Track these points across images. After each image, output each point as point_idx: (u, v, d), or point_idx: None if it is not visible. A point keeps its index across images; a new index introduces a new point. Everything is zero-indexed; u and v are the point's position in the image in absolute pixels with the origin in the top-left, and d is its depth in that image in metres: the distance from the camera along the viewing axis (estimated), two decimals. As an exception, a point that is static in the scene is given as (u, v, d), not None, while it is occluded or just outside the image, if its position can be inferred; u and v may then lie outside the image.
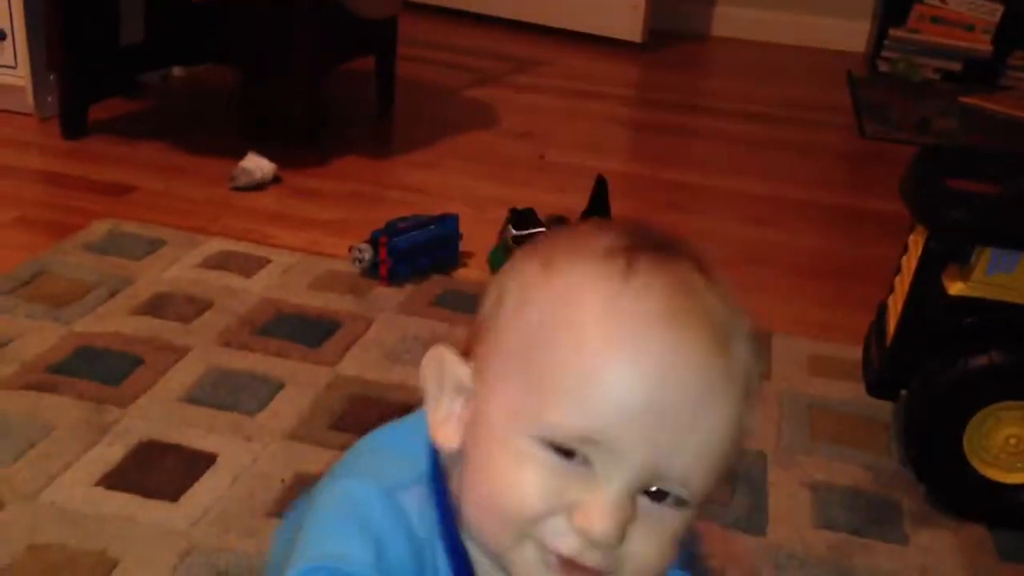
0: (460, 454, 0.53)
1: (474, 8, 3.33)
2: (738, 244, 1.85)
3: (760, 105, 2.75)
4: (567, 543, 0.49)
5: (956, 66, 3.06)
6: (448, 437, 0.54)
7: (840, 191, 2.21)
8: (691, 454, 0.49)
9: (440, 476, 0.55)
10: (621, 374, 0.48)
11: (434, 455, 0.55)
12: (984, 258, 1.07)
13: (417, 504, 0.54)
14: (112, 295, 1.44)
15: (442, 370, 0.55)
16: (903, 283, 1.19)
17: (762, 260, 1.79)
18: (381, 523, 0.52)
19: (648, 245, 0.52)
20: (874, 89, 2.94)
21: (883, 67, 3.11)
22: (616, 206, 1.74)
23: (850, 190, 2.24)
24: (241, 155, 1.92)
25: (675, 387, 0.49)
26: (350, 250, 1.59)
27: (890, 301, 1.25)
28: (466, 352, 0.55)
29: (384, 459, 0.56)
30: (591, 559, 0.49)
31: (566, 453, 0.49)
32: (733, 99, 2.83)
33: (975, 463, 1.11)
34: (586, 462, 0.49)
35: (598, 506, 0.48)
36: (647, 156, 2.41)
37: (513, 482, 0.50)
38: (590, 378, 0.48)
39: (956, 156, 1.24)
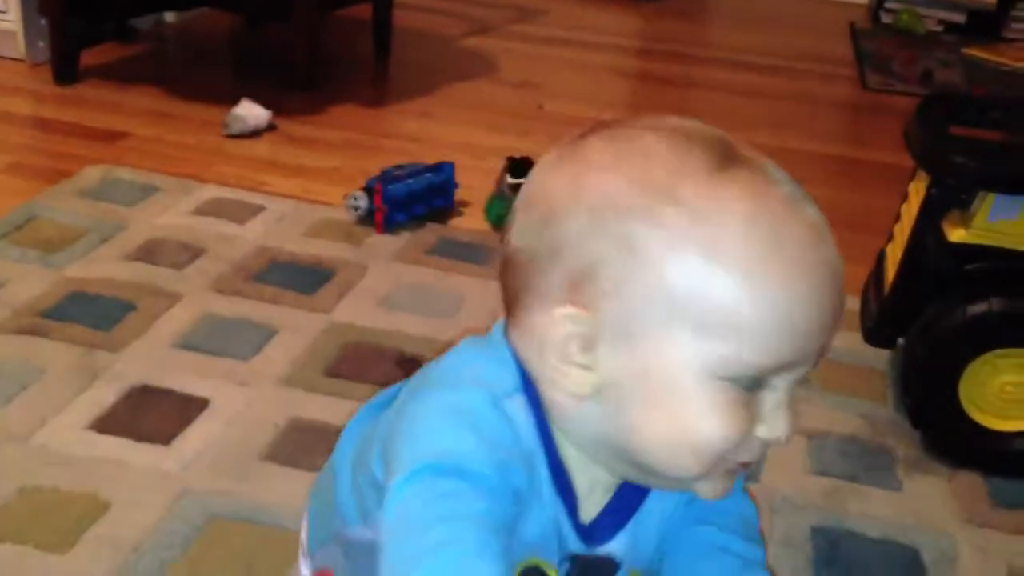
0: (594, 397, 0.53)
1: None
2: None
3: (762, 56, 2.72)
4: (752, 453, 0.55)
5: (959, 17, 3.02)
6: (579, 386, 0.53)
7: (842, 143, 2.19)
8: (829, 344, 0.54)
9: (531, 388, 0.56)
10: (802, 305, 0.51)
11: (521, 369, 0.56)
12: (986, 204, 1.06)
13: (521, 413, 0.55)
14: (104, 241, 1.42)
15: (566, 333, 0.53)
16: (903, 231, 1.17)
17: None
18: (494, 428, 0.53)
19: (731, 157, 0.53)
20: (877, 41, 2.90)
21: (886, 19, 3.07)
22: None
23: (852, 142, 2.22)
24: (235, 102, 1.90)
25: (838, 298, 0.53)
26: (345, 198, 1.57)
27: (889, 249, 1.24)
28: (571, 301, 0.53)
29: (480, 372, 0.56)
30: (762, 454, 0.55)
31: (750, 384, 0.52)
32: (734, 50, 2.79)
33: (970, 410, 1.10)
34: (765, 383, 0.52)
35: (782, 417, 0.54)
36: (647, 106, 2.38)
37: (711, 424, 0.52)
38: (771, 316, 0.50)
39: (961, 104, 1.21)
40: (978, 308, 1.06)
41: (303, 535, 0.76)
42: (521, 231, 0.56)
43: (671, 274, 0.50)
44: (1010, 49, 2.85)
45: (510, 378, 0.56)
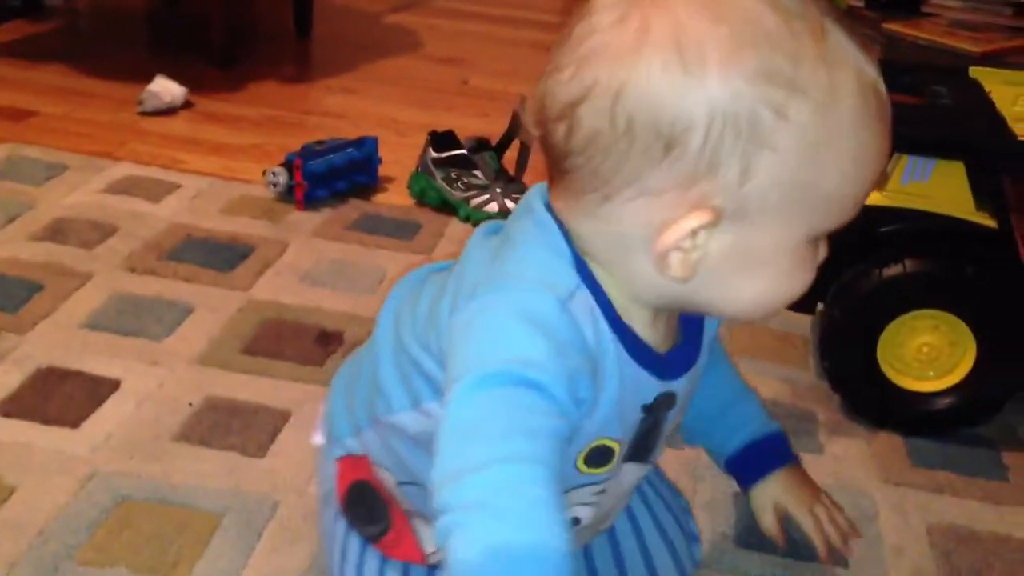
0: (693, 279, 0.54)
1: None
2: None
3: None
4: None
5: (881, -7, 3.06)
6: (676, 270, 0.54)
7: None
8: None
9: (589, 273, 0.56)
10: (879, 167, 0.55)
11: (577, 255, 0.56)
12: (899, 167, 1.07)
13: (586, 311, 0.55)
14: (10, 221, 1.37)
15: (681, 231, 0.53)
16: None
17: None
18: (564, 334, 0.53)
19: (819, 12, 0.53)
20: (800, 16, 2.93)
21: (810, -6, 3.10)
22: (539, 128, 1.70)
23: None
24: (150, 79, 1.84)
25: None
26: (264, 174, 1.53)
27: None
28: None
29: (543, 270, 0.55)
30: None
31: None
32: (660, 26, 2.79)
33: (889, 372, 1.11)
34: None
35: (823, 248, 0.58)
36: (573, 82, 2.37)
37: (802, 279, 0.56)
38: (863, 190, 0.55)
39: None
40: (893, 271, 1.07)
41: (325, 418, 0.75)
42: (603, 111, 0.51)
43: (796, 167, 0.51)
44: (928, 24, 2.90)
45: (570, 272, 0.55)
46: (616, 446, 0.60)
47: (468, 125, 1.77)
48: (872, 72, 0.53)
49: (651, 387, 0.59)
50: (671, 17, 0.50)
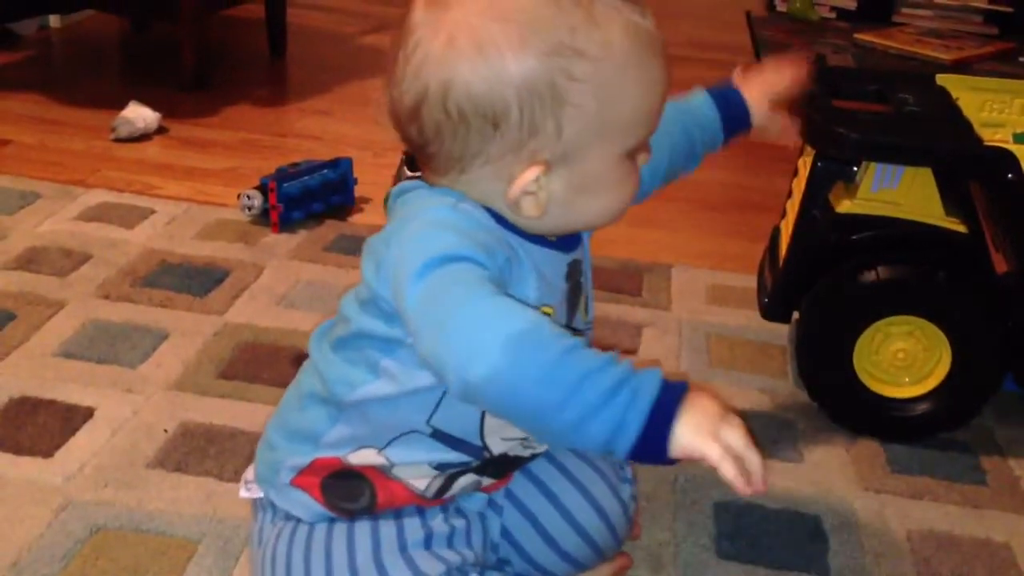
0: (547, 214, 0.67)
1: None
2: (638, 181, 1.84)
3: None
4: None
5: (851, 4, 3.09)
6: (531, 209, 0.67)
7: (739, 127, 2.22)
8: None
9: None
10: (662, 88, 0.67)
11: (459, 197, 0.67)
12: (869, 174, 1.08)
13: (476, 210, 0.66)
14: (-18, 251, 1.36)
15: (523, 185, 0.65)
16: (794, 206, 1.19)
17: (663, 196, 1.77)
18: (464, 223, 0.64)
19: None
20: (772, 28, 2.95)
21: (781, 7, 3.13)
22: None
23: (749, 126, 2.25)
24: (123, 106, 1.83)
25: None
26: (239, 197, 1.53)
27: (782, 225, 1.25)
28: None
29: (429, 200, 0.67)
30: None
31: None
32: (634, 41, 2.81)
33: (865, 379, 1.12)
34: None
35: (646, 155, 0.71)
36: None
37: (632, 185, 0.69)
38: (657, 102, 0.67)
39: (843, 78, 1.23)
40: (866, 278, 1.07)
41: (262, 471, 0.78)
42: (439, 108, 0.64)
43: (596, 110, 0.64)
44: (899, 33, 2.93)
45: (453, 195, 0.66)
46: (552, 311, 0.71)
47: (443, 144, 1.77)
48: (636, 17, 0.65)
49: (560, 259, 0.72)
50: (468, 25, 0.63)
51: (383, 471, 0.74)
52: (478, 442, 0.72)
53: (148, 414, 1.07)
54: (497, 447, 0.74)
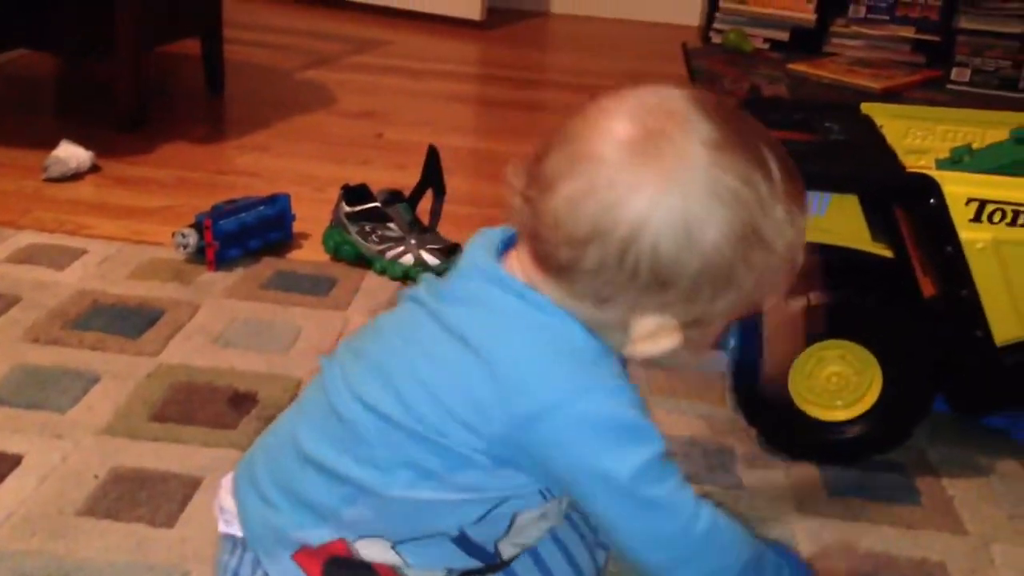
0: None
1: (308, -10, 3.25)
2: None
3: (600, 78, 2.78)
4: None
5: (783, 35, 3.17)
6: (644, 361, 0.69)
7: (677, 157, 2.25)
8: None
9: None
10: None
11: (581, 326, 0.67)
12: (797, 202, 1.10)
13: (574, 323, 0.67)
14: (-95, 296, 1.32)
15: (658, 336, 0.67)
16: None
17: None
18: (606, 369, 0.67)
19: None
20: (708, 59, 3.01)
21: (715, 38, 3.19)
22: (456, 179, 1.71)
23: (686, 156, 2.28)
24: (56, 145, 1.81)
25: None
26: (173, 236, 1.51)
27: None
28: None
29: (533, 318, 0.66)
30: None
31: None
32: (573, 73, 2.84)
33: (801, 403, 1.13)
34: None
35: None
36: (487, 131, 2.40)
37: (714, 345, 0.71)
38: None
39: (770, 108, 1.26)
40: (797, 304, 1.09)
41: (247, 522, 0.73)
42: (613, 255, 0.63)
43: (749, 291, 0.66)
44: (831, 63, 3.01)
45: (552, 311, 0.66)
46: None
47: (383, 178, 1.77)
48: (806, 216, 0.69)
49: None
50: (680, 193, 0.62)
51: (395, 570, 0.71)
52: (492, 549, 0.72)
53: (77, 460, 1.04)
54: (508, 552, 0.73)
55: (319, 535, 0.70)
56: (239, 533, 0.74)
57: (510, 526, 0.70)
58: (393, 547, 0.70)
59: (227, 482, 0.76)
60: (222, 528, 0.75)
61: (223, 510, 0.75)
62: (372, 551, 0.70)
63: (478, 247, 0.70)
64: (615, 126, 0.63)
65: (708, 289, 0.64)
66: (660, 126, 0.63)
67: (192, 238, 1.49)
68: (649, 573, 0.67)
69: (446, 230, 1.59)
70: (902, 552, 1.02)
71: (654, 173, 0.62)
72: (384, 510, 0.68)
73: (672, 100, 0.64)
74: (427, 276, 0.74)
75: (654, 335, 0.66)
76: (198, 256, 1.50)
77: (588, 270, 0.64)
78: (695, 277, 0.63)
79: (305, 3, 3.24)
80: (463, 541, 0.70)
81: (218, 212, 1.53)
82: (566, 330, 0.66)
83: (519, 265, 0.68)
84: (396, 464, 0.67)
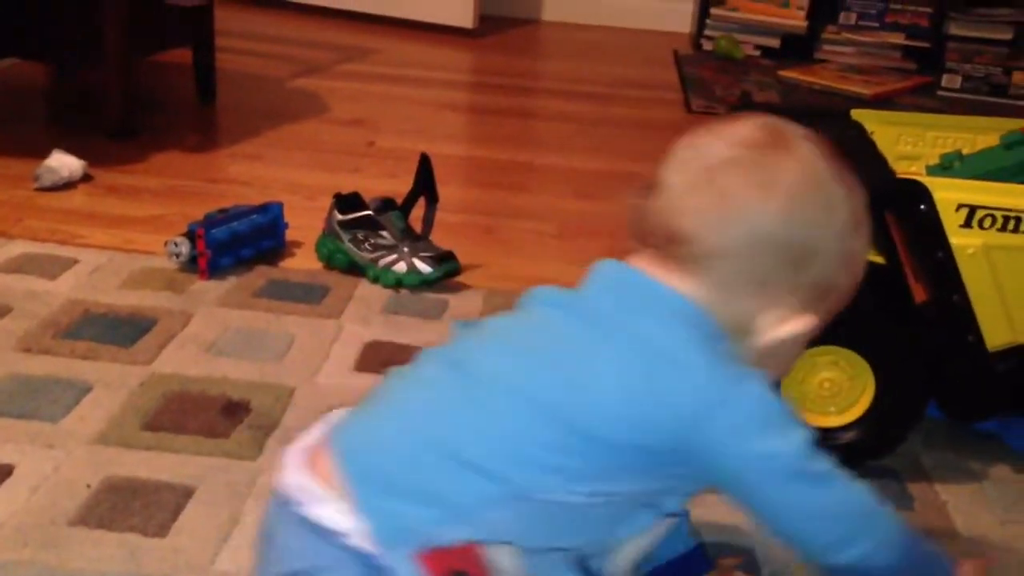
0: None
1: (298, -2, 3.26)
2: (570, 217, 1.86)
3: (592, 85, 2.79)
4: None
5: (774, 42, 3.18)
6: (768, 350, 0.75)
7: (669, 164, 2.26)
8: None
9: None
10: None
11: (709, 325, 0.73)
12: (788, 208, 1.10)
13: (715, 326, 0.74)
14: None
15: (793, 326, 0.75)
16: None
17: (593, 232, 1.80)
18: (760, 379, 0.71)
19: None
20: (699, 66, 3.02)
21: (707, 45, 3.21)
22: (448, 187, 1.71)
23: (678, 162, 2.28)
24: (47, 154, 1.80)
25: None
26: (166, 245, 1.51)
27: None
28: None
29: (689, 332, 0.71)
30: None
31: None
32: (565, 80, 2.85)
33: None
34: None
35: None
36: (480, 138, 2.40)
37: None
38: None
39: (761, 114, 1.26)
40: (790, 309, 1.09)
41: (366, 512, 0.68)
42: (749, 240, 0.71)
43: (853, 279, 0.77)
44: (822, 69, 3.02)
45: (702, 318, 0.71)
46: None
47: (376, 186, 1.77)
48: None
49: None
50: (815, 185, 0.73)
51: None
52: (597, 569, 0.73)
53: (70, 470, 1.04)
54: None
55: (453, 534, 0.68)
56: (319, 517, 0.69)
57: (618, 548, 0.73)
58: (519, 556, 0.69)
59: (296, 457, 0.72)
60: (295, 509, 0.70)
61: (302, 488, 0.70)
62: (502, 558, 0.68)
63: (606, 265, 0.76)
64: (741, 131, 0.74)
65: (833, 270, 0.73)
66: (777, 128, 0.75)
67: (184, 247, 1.49)
68: (821, 556, 0.71)
69: (439, 238, 1.59)
70: (896, 557, 1.02)
71: (789, 163, 0.72)
72: (529, 514, 0.68)
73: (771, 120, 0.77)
74: (550, 288, 0.77)
75: (786, 320, 0.73)
76: (190, 265, 1.49)
77: (729, 258, 0.71)
78: (828, 259, 0.72)
79: (296, 11, 3.25)
80: (580, 559, 0.71)
81: (210, 221, 1.53)
82: (711, 326, 0.71)
83: (645, 264, 0.74)
84: (550, 466, 0.68)
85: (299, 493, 0.70)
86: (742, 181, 0.71)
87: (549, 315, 0.74)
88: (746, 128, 0.74)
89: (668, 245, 0.72)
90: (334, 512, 0.69)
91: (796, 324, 0.73)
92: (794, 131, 0.75)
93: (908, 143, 1.30)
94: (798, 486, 0.69)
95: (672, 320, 0.71)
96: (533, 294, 0.77)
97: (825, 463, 0.70)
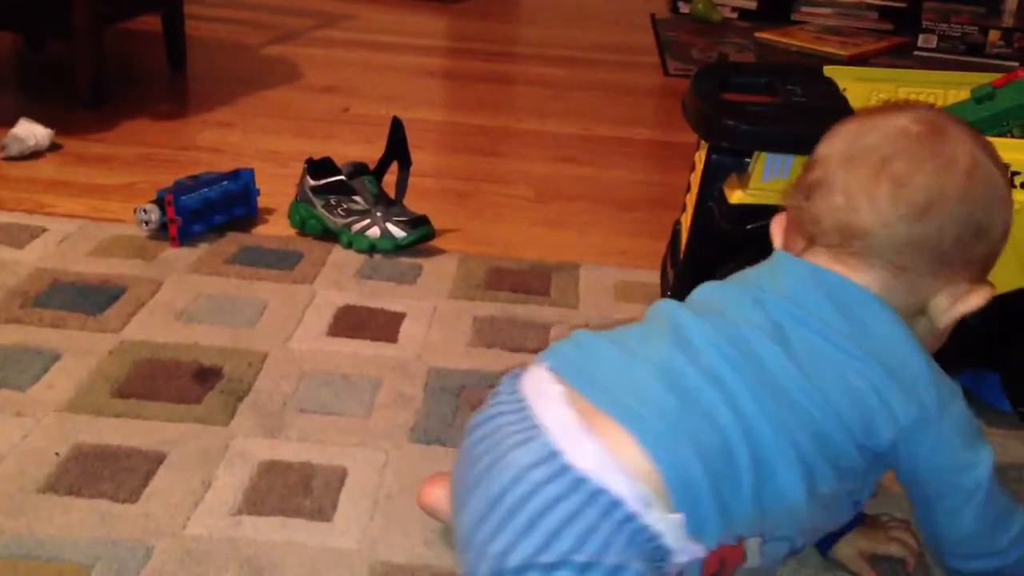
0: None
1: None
2: (547, 181, 1.85)
3: (570, 50, 2.77)
4: None
5: (751, 4, 3.16)
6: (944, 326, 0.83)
7: (645, 126, 2.24)
8: None
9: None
10: None
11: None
12: (759, 164, 1.09)
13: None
14: None
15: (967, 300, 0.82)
16: (692, 199, 1.20)
17: (570, 195, 1.80)
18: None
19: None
20: (676, 30, 3.00)
21: (684, 8, 3.19)
22: (424, 152, 1.70)
23: (654, 125, 2.27)
24: (13, 123, 1.78)
25: None
26: (135, 212, 1.49)
27: (682, 219, 1.26)
28: None
29: (909, 338, 0.78)
30: None
31: None
32: (542, 45, 2.83)
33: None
34: None
35: None
36: (457, 104, 2.38)
37: None
38: None
39: (731, 72, 1.26)
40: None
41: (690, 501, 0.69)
42: (945, 216, 0.76)
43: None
44: (799, 31, 3.01)
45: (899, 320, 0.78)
46: None
47: (350, 152, 1.76)
48: None
49: None
50: (986, 169, 0.79)
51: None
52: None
53: (39, 438, 1.03)
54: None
55: (728, 537, 0.72)
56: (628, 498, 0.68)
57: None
58: (760, 544, 0.74)
59: (555, 391, 0.72)
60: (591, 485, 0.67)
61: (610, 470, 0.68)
62: (752, 547, 0.74)
63: (796, 266, 0.81)
64: (899, 124, 0.79)
65: (1000, 240, 0.78)
66: (933, 118, 0.80)
67: (154, 214, 1.47)
68: (961, 562, 0.82)
69: (413, 203, 1.57)
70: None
71: (955, 149, 0.77)
72: (813, 510, 0.74)
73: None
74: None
75: (964, 295, 0.78)
76: (161, 232, 1.48)
77: (913, 244, 0.75)
78: (997, 230, 0.78)
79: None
80: (792, 543, 0.78)
81: (180, 188, 1.51)
82: (900, 318, 0.77)
83: (823, 261, 0.79)
84: (829, 463, 0.73)
85: (605, 477, 0.68)
86: (916, 170, 0.76)
87: (787, 327, 0.75)
88: (904, 121, 0.78)
89: (846, 242, 0.77)
90: (637, 494, 0.67)
91: (975, 297, 0.79)
92: (947, 118, 0.79)
93: (881, 99, 1.29)
94: (978, 497, 0.77)
95: (883, 318, 0.76)
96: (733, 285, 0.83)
97: (995, 479, 0.78)
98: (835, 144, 0.81)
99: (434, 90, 2.48)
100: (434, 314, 1.34)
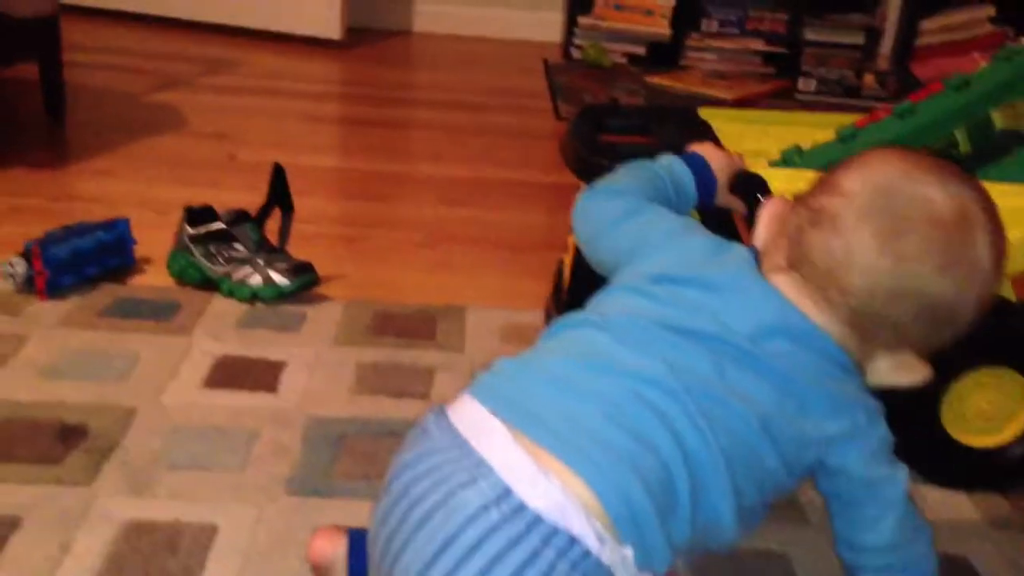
0: None
1: (151, 10, 3.16)
2: (436, 225, 1.84)
3: (462, 95, 2.78)
4: None
5: (640, 50, 3.24)
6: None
7: (536, 169, 2.26)
8: None
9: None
10: None
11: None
12: (633, 204, 1.10)
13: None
14: None
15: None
16: (573, 239, 1.20)
17: (459, 238, 1.79)
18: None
19: None
20: (568, 75, 3.05)
21: (576, 54, 3.24)
22: (312, 199, 1.67)
23: (545, 167, 2.29)
24: None
25: None
26: (0, 265, 1.43)
27: (564, 259, 1.27)
28: None
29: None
30: None
31: None
32: (435, 91, 2.84)
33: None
34: None
35: None
36: (348, 149, 2.36)
37: None
38: None
39: (608, 114, 1.27)
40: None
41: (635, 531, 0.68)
42: (920, 310, 0.75)
43: None
44: (687, 75, 3.09)
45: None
46: None
47: (235, 200, 1.71)
48: None
49: None
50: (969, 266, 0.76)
51: None
52: None
53: None
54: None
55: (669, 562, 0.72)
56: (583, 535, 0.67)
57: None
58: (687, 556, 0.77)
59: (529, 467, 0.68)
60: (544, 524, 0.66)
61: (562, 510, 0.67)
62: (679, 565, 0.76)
63: (767, 301, 0.78)
64: (932, 197, 0.75)
65: (966, 329, 0.76)
66: (968, 205, 0.76)
67: (20, 267, 1.41)
68: (869, 557, 0.80)
69: (299, 250, 1.54)
70: None
71: (973, 250, 0.74)
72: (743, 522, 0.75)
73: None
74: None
75: (904, 367, 0.78)
76: (28, 286, 1.42)
77: (890, 319, 0.75)
78: (968, 321, 0.76)
79: (150, 24, 3.15)
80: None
81: (50, 238, 1.45)
82: (848, 362, 0.78)
83: (792, 291, 0.77)
84: (764, 487, 0.75)
85: (560, 516, 0.66)
86: (923, 257, 0.73)
87: (723, 350, 0.75)
88: (936, 195, 0.74)
89: (826, 285, 0.76)
90: (590, 529, 0.67)
91: (913, 375, 0.78)
92: (982, 204, 0.75)
93: (753, 140, 1.32)
94: (898, 509, 0.78)
95: (824, 361, 0.77)
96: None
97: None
98: (864, 184, 0.75)
99: (325, 136, 2.46)
100: (316, 362, 1.31)
